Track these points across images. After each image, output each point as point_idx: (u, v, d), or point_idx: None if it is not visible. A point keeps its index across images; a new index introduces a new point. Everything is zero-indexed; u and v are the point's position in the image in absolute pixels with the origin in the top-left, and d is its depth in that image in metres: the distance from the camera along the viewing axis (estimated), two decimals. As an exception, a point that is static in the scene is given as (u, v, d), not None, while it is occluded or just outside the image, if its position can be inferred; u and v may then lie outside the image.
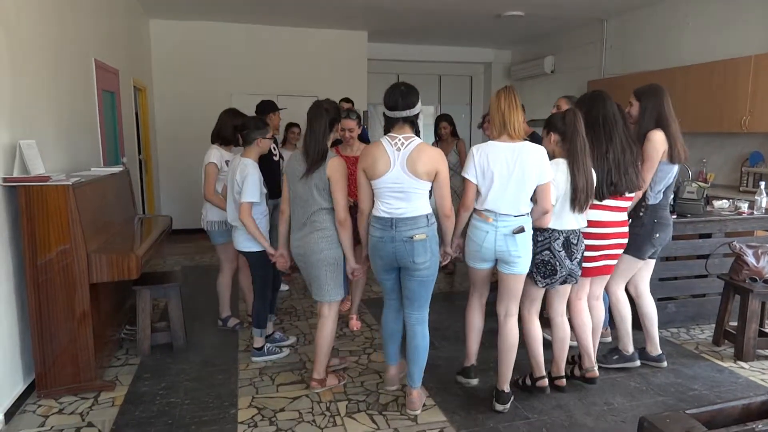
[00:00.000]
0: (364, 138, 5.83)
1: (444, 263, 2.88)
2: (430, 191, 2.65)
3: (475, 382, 3.10)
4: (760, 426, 1.68)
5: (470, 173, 2.68)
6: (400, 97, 2.56)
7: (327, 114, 2.81)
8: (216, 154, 3.69)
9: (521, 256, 2.70)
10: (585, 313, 3.08)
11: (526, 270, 2.77)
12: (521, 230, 2.67)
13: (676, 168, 3.16)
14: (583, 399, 2.99)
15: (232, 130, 3.69)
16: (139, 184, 6.56)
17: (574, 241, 2.84)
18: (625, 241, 3.06)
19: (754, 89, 4.95)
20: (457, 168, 5.45)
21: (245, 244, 3.33)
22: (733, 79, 5.14)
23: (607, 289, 3.30)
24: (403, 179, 2.54)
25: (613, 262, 3.09)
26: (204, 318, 4.20)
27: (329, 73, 8.03)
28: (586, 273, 3.02)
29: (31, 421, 2.76)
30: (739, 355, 3.50)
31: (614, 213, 2.99)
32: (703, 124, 5.54)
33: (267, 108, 4.40)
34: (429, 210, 2.64)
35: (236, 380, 3.21)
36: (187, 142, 7.13)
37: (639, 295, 3.41)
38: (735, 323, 3.64)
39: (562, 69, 8.31)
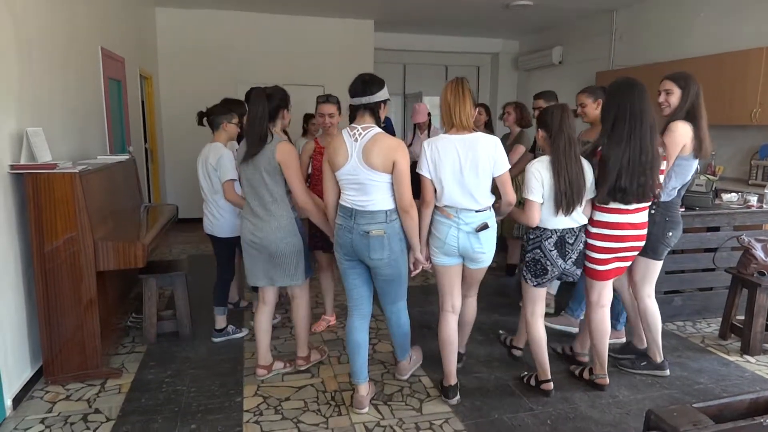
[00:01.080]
0: (389, 129, 5.79)
1: (413, 273, 2.77)
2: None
3: (455, 401, 2.83)
4: (767, 421, 1.68)
5: (423, 168, 2.64)
6: (360, 84, 2.53)
7: (269, 100, 2.74)
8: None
9: (485, 252, 2.70)
10: (607, 321, 2.93)
11: (489, 262, 2.79)
12: (485, 227, 2.63)
13: (695, 165, 2.96)
14: (589, 391, 2.99)
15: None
16: (145, 173, 6.57)
17: (570, 241, 2.75)
18: (642, 243, 2.85)
19: (765, 81, 4.89)
20: None
21: (215, 229, 3.46)
22: (743, 71, 5.08)
23: (635, 296, 3.15)
24: (359, 171, 2.48)
25: (625, 264, 2.90)
26: (210, 306, 4.20)
27: (336, 63, 7.98)
28: (603, 276, 2.85)
29: (39, 408, 2.78)
30: (745, 349, 3.49)
31: (630, 215, 2.76)
32: (713, 116, 5.39)
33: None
34: (390, 205, 2.54)
35: (242, 369, 3.22)
36: (192, 132, 7.05)
37: (639, 297, 3.18)
38: (742, 317, 3.62)
39: (570, 60, 8.23)
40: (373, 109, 2.55)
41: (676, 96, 2.90)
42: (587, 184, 2.70)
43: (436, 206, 2.68)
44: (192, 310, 3.83)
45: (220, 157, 3.25)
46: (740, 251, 3.63)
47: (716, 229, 3.96)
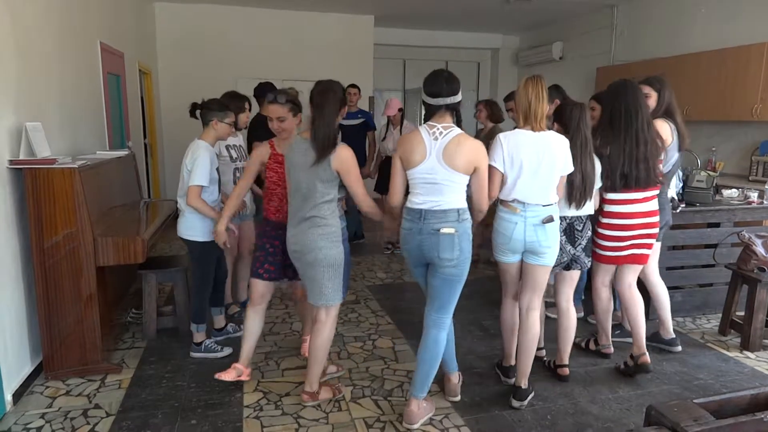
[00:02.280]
0: (370, 125, 5.82)
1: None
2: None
3: (512, 381, 2.91)
4: (768, 416, 1.68)
5: (498, 161, 2.60)
6: (444, 83, 2.42)
7: (335, 95, 2.53)
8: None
9: (551, 247, 2.67)
10: (609, 298, 3.22)
11: (554, 261, 2.73)
12: (551, 219, 2.65)
13: (677, 156, 3.24)
14: (589, 387, 2.99)
15: (235, 113, 3.41)
16: (145, 168, 6.56)
17: (579, 227, 2.89)
18: (656, 231, 3.04)
19: (766, 77, 4.88)
20: None
21: (187, 231, 3.17)
22: (744, 67, 5.07)
23: (640, 277, 3.28)
24: (437, 170, 2.39)
25: (646, 251, 3.07)
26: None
27: (335, 58, 7.96)
28: (614, 261, 3.09)
29: (39, 403, 2.78)
30: (745, 345, 3.49)
31: (639, 204, 2.96)
32: (714, 112, 5.48)
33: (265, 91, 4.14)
34: (462, 204, 2.46)
35: (242, 364, 3.22)
36: (192, 127, 7.03)
37: (649, 280, 3.44)
38: (742, 313, 3.62)
39: (570, 55, 8.21)
40: (455, 109, 2.48)
41: (653, 98, 3.18)
42: (597, 177, 2.87)
43: (500, 200, 2.70)
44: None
45: (196, 158, 3.02)
46: (740, 247, 3.63)
47: (716, 225, 3.96)
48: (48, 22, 3.44)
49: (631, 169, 2.86)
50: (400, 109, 5.54)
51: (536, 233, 2.63)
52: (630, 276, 3.15)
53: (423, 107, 2.53)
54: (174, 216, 4.18)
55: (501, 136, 2.64)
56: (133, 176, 4.26)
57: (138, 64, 6.12)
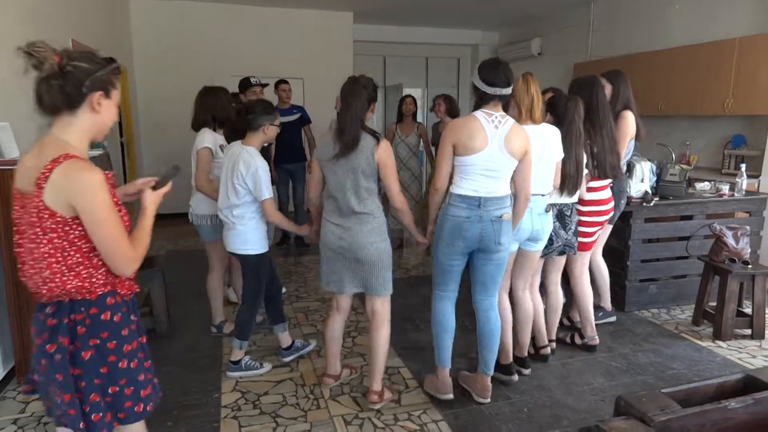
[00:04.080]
0: (305, 119, 5.71)
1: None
2: None
3: (515, 378, 2.98)
4: (733, 404, 1.71)
5: None
6: (503, 74, 2.43)
7: (365, 90, 2.50)
8: (210, 138, 3.31)
9: (547, 233, 2.87)
10: (588, 284, 3.38)
11: (544, 245, 2.92)
12: (551, 208, 2.86)
13: (632, 146, 3.55)
14: (565, 379, 3.03)
15: (230, 109, 3.39)
16: (122, 168, 6.47)
17: (568, 213, 3.05)
18: (611, 215, 3.39)
19: (737, 72, 4.97)
20: (416, 150, 5.54)
21: (241, 246, 2.95)
22: (717, 62, 5.15)
23: (593, 258, 3.57)
24: (498, 157, 2.43)
25: (587, 239, 3.36)
26: (188, 303, 4.17)
27: (314, 55, 7.93)
28: (588, 247, 3.33)
29: (12, 408, 2.74)
30: (717, 335, 3.57)
31: (607, 191, 3.32)
32: (688, 106, 5.57)
33: (245, 85, 4.13)
34: (509, 191, 2.56)
35: (220, 364, 3.20)
36: (169, 124, 7.00)
37: (594, 259, 3.63)
38: (714, 303, 3.69)
39: (549, 51, 8.28)
40: (508, 102, 2.53)
41: (608, 89, 3.35)
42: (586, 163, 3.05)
43: None
44: (169, 307, 3.80)
45: (255, 170, 2.81)
46: (712, 239, 3.70)
47: (689, 217, 4.03)
48: (16, 19, 3.37)
49: (613, 158, 3.13)
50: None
51: (541, 221, 2.79)
52: (577, 264, 3.39)
53: (474, 94, 2.52)
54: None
55: (534, 130, 2.70)
56: (108, 176, 4.18)
57: (113, 62, 6.01)
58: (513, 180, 2.57)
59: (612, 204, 3.33)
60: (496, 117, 2.45)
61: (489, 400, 2.75)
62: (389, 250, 2.62)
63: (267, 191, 2.84)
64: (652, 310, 4.05)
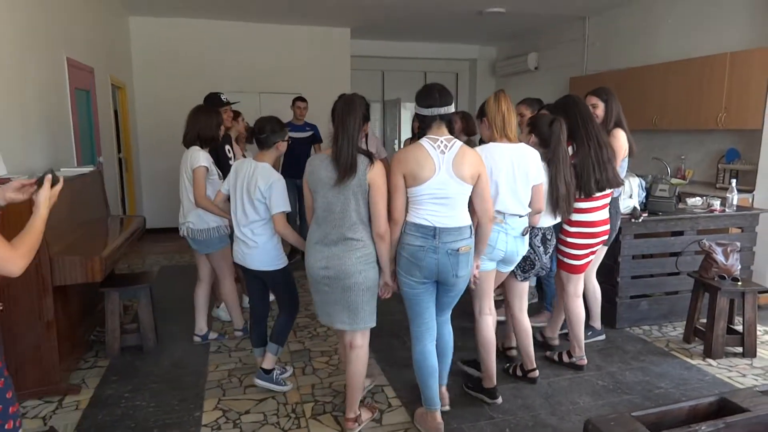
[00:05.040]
0: (317, 138, 5.79)
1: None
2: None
3: (499, 401, 2.93)
4: (704, 427, 1.69)
5: None
6: (437, 94, 2.40)
7: (360, 110, 2.43)
8: (204, 157, 3.38)
9: (521, 255, 2.84)
10: (582, 309, 3.34)
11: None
12: (528, 231, 2.82)
13: (626, 162, 3.48)
14: (550, 399, 3.00)
15: (217, 128, 3.51)
16: (119, 183, 6.52)
17: (549, 237, 3.05)
18: (606, 237, 3.31)
19: (729, 86, 4.96)
20: None
21: (263, 263, 2.92)
22: (709, 76, 5.15)
23: (587, 280, 3.55)
24: (449, 184, 2.36)
25: (595, 256, 3.41)
26: (178, 319, 4.17)
27: (312, 71, 7.99)
28: (580, 270, 3.28)
29: (-7, 426, 2.73)
30: (708, 353, 3.52)
31: (602, 212, 3.22)
32: (681, 120, 5.56)
33: (215, 102, 4.06)
34: (470, 220, 2.47)
35: (204, 382, 3.19)
36: (168, 140, 7.01)
37: (588, 278, 3.62)
38: (705, 321, 3.65)
39: (545, 66, 8.30)
40: (450, 120, 2.46)
41: (600, 108, 3.36)
42: (582, 180, 3.05)
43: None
44: (158, 323, 3.81)
45: (272, 182, 2.78)
46: (704, 255, 3.67)
47: (680, 233, 4.01)
48: (8, 37, 3.42)
49: (601, 173, 3.03)
50: None
51: (516, 244, 2.76)
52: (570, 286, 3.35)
53: (417, 121, 2.51)
54: (142, 231, 4.18)
55: (478, 149, 2.64)
56: (100, 192, 4.22)
57: (110, 79, 6.09)
58: (472, 205, 2.48)
59: (607, 227, 3.24)
60: (442, 141, 2.39)
61: (447, 406, 2.82)
62: (376, 279, 2.51)
63: (284, 204, 2.79)
64: (644, 327, 4.02)
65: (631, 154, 3.42)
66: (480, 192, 2.45)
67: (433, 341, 2.61)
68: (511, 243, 2.73)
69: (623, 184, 3.40)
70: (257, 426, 2.74)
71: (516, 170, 2.67)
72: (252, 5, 6.68)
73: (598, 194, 3.11)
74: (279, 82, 7.79)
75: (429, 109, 2.40)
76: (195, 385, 3.15)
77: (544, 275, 3.64)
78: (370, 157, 2.41)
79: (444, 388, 2.82)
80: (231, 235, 3.53)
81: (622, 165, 3.37)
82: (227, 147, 4.20)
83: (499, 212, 2.66)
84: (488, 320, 2.88)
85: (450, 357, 2.76)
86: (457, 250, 2.40)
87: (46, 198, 1.70)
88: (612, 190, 3.20)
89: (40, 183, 1.71)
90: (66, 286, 3.07)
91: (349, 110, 2.39)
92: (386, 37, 8.91)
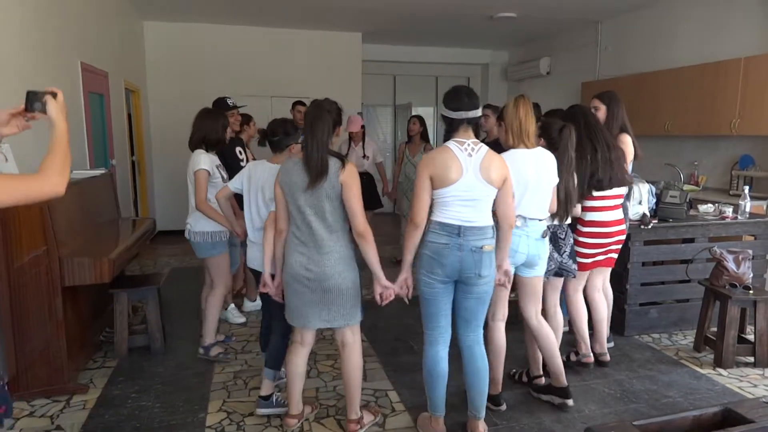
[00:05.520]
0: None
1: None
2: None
3: (503, 407, 2.95)
4: (707, 438, 1.67)
5: None
6: (466, 98, 2.42)
7: (329, 115, 2.45)
8: (206, 160, 3.34)
9: (543, 258, 2.84)
10: (582, 302, 3.36)
11: (544, 270, 2.90)
12: (548, 233, 2.83)
13: (631, 166, 3.51)
14: (555, 407, 2.96)
15: (223, 131, 3.47)
16: (132, 186, 6.60)
17: (562, 236, 3.03)
18: (624, 237, 3.35)
19: (743, 92, 4.90)
20: None
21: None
22: (723, 82, 5.09)
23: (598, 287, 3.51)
24: (476, 186, 2.38)
25: (615, 255, 3.40)
26: (186, 320, 4.21)
27: (324, 75, 8.04)
28: (590, 267, 3.33)
29: (1, 424, 2.77)
30: (718, 362, 3.47)
31: (615, 212, 3.27)
32: (694, 126, 5.50)
33: (222, 105, 4.10)
34: (492, 221, 2.49)
35: (210, 383, 3.21)
36: (181, 143, 6.95)
37: (604, 286, 3.61)
38: (716, 329, 3.60)
39: (557, 70, 8.27)
40: (478, 124, 2.50)
41: (602, 111, 3.43)
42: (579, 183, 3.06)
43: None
44: (166, 324, 3.85)
45: None
46: (714, 263, 3.62)
47: (691, 240, 3.95)
48: (25, 43, 3.49)
49: (606, 171, 3.07)
50: (362, 126, 5.62)
51: (537, 247, 2.76)
52: (599, 280, 3.45)
53: (444, 123, 2.51)
54: (152, 233, 4.22)
55: (504, 156, 2.65)
56: (111, 195, 4.27)
57: (124, 83, 6.18)
58: (495, 209, 2.49)
59: (621, 227, 3.27)
60: (468, 144, 2.41)
61: None
62: (357, 279, 2.54)
63: None
64: (653, 335, 3.96)
65: (636, 158, 3.45)
66: (504, 197, 2.47)
67: (446, 347, 2.60)
68: (532, 246, 2.73)
69: (633, 183, 3.45)
70: (260, 428, 2.75)
71: (539, 176, 2.69)
72: (264, 11, 6.75)
73: (609, 193, 3.16)
74: (290, 86, 7.84)
75: (457, 112, 2.42)
76: (200, 387, 3.17)
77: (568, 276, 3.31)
78: (342, 159, 2.43)
79: (481, 424, 2.65)
80: (231, 242, 3.53)
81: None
82: (238, 149, 4.23)
83: (520, 216, 2.68)
84: (500, 326, 2.87)
85: (486, 385, 2.61)
86: (481, 248, 2.42)
87: (57, 110, 1.60)
88: (624, 190, 3.28)
89: (29, 108, 1.60)
90: (76, 287, 3.11)
91: (317, 115, 2.42)
92: (398, 41, 8.92)
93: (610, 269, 3.50)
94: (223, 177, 3.45)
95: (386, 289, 2.55)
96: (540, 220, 2.75)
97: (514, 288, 2.93)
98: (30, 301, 2.93)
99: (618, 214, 3.27)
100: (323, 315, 2.52)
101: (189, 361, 3.52)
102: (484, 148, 2.44)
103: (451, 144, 2.43)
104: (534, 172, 2.67)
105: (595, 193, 3.16)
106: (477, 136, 2.49)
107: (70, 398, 3.03)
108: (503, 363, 2.89)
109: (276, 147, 2.86)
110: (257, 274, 2.89)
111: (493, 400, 2.91)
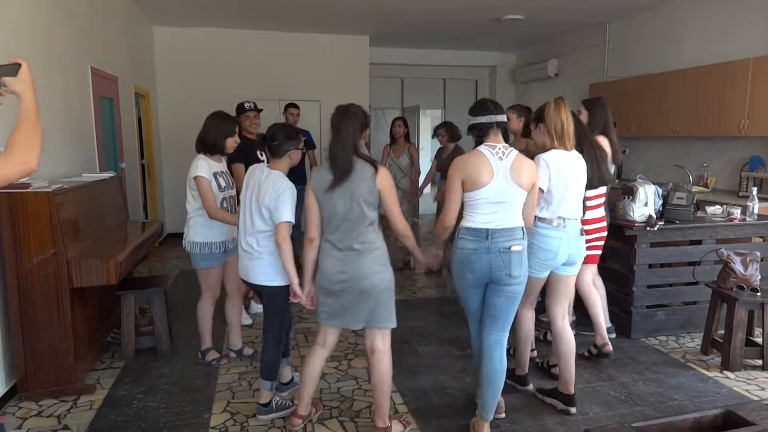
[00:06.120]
0: (310, 144, 5.83)
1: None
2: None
3: (530, 387, 3.11)
4: (706, 441, 1.66)
5: (544, 182, 2.72)
6: (491, 105, 2.57)
7: (355, 118, 2.48)
8: (204, 166, 3.20)
9: (581, 256, 2.93)
10: (595, 292, 3.51)
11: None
12: (583, 230, 2.93)
13: (613, 169, 3.56)
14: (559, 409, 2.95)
15: (222, 137, 3.28)
16: (142, 189, 6.67)
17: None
18: (605, 234, 3.43)
19: (752, 92, 4.85)
20: (407, 171, 5.63)
21: (265, 276, 2.76)
22: (731, 82, 5.05)
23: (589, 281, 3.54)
24: (506, 189, 2.45)
25: (598, 252, 3.45)
26: (193, 322, 4.22)
27: (332, 78, 8.09)
28: (596, 260, 3.48)
29: (10, 424, 2.81)
30: (725, 365, 3.43)
31: (596, 210, 3.35)
32: (703, 127, 5.45)
33: (238, 109, 4.21)
34: (523, 222, 2.54)
35: (215, 384, 3.24)
36: (191, 147, 7.14)
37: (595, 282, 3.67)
38: (723, 332, 3.56)
39: (565, 72, 8.24)
40: (506, 128, 2.61)
41: (584, 115, 3.54)
42: None
43: (542, 219, 2.79)
44: (173, 326, 3.89)
45: (282, 190, 2.65)
46: (721, 265, 3.58)
47: (698, 242, 3.92)
48: (35, 49, 3.55)
49: (594, 171, 3.08)
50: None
51: (577, 245, 2.85)
52: (588, 275, 3.50)
53: (474, 132, 2.57)
54: (159, 236, 4.27)
55: (545, 157, 2.75)
56: (119, 198, 4.33)
57: (134, 87, 6.25)
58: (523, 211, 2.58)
59: (603, 224, 3.39)
60: (499, 149, 2.49)
61: None
62: (392, 280, 2.55)
63: (290, 215, 2.64)
64: (660, 338, 3.93)
65: (614, 160, 3.54)
66: (530, 201, 2.56)
67: (479, 333, 2.71)
68: (573, 244, 2.81)
69: (613, 182, 3.58)
70: (264, 429, 2.76)
71: (577, 177, 2.81)
72: (272, 14, 6.80)
73: (592, 193, 3.23)
74: (299, 89, 7.90)
75: (486, 116, 2.52)
76: (206, 388, 3.20)
77: None
78: (374, 163, 2.45)
79: (487, 426, 2.62)
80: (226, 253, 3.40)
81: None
82: (259, 152, 4.17)
83: (559, 217, 2.78)
84: (529, 314, 3.03)
85: (499, 387, 2.59)
86: (509, 249, 2.46)
87: (22, 84, 1.53)
88: (603, 190, 3.37)
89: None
90: (84, 289, 3.15)
91: (343, 118, 2.46)
92: (405, 44, 8.95)
93: (595, 265, 3.55)
94: (220, 185, 3.27)
95: (427, 258, 2.72)
96: (576, 219, 2.84)
97: None
98: (38, 303, 2.97)
99: (600, 212, 3.37)
100: (364, 315, 2.52)
101: (195, 362, 3.55)
102: (515, 152, 2.52)
103: (483, 148, 2.51)
104: (573, 173, 2.78)
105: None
106: (506, 140, 2.58)
107: (78, 398, 3.07)
108: (530, 347, 3.07)
109: (275, 152, 2.76)
110: (265, 290, 2.83)
111: (519, 380, 3.09)
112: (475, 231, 2.47)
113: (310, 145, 5.81)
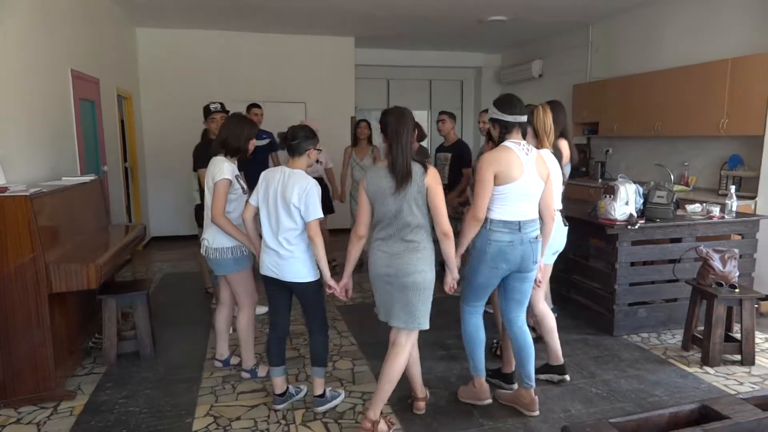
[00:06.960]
0: (274, 146, 5.58)
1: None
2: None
3: (515, 386, 3.09)
4: (682, 435, 1.67)
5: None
6: (518, 103, 2.69)
7: (411, 122, 2.57)
8: (228, 169, 3.09)
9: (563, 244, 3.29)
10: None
11: None
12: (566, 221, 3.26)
13: (569, 168, 3.64)
14: (542, 406, 2.96)
15: (246, 139, 3.20)
16: (125, 192, 6.61)
17: None
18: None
19: (731, 92, 4.92)
20: None
21: (299, 274, 2.79)
22: (711, 83, 5.12)
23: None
24: (534, 183, 2.66)
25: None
26: (176, 326, 4.21)
27: (317, 80, 8.08)
28: None
29: (-12, 431, 2.78)
30: (705, 360, 3.48)
31: None
32: (683, 127, 5.52)
33: (204, 111, 4.25)
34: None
35: (198, 388, 3.22)
36: (175, 149, 7.16)
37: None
38: (703, 328, 3.61)
39: (549, 73, 8.30)
40: (525, 128, 2.75)
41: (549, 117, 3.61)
42: None
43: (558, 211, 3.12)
44: (156, 330, 3.86)
45: (309, 188, 2.70)
46: (701, 262, 3.63)
47: (678, 240, 3.97)
48: (13, 50, 3.51)
49: None
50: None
51: (563, 234, 3.20)
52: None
53: (497, 126, 2.70)
54: (141, 239, 4.23)
55: (546, 154, 2.95)
56: (100, 201, 4.28)
57: (116, 90, 6.20)
58: (539, 202, 2.76)
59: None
60: (524, 145, 2.67)
61: (538, 412, 2.87)
62: (433, 281, 2.62)
63: (319, 211, 2.72)
64: (642, 335, 3.98)
65: (571, 161, 3.63)
66: (548, 191, 2.75)
67: (481, 317, 2.95)
68: (558, 233, 3.09)
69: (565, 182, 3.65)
70: (246, 432, 2.75)
71: (556, 172, 3.05)
72: (257, 16, 6.77)
73: None
74: (284, 91, 7.89)
75: (512, 116, 2.66)
76: (188, 392, 3.17)
77: None
78: (423, 163, 2.57)
79: (532, 392, 2.89)
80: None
81: (564, 170, 3.46)
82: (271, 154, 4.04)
83: (557, 210, 3.04)
84: (547, 309, 3.24)
85: (533, 358, 2.87)
86: (536, 237, 2.72)
87: None
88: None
89: None
90: (65, 294, 3.11)
91: (401, 122, 2.54)
92: (391, 45, 8.96)
93: None
94: (243, 188, 3.21)
95: (455, 281, 2.71)
96: (557, 210, 3.08)
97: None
98: (17, 309, 2.93)
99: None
100: (402, 315, 2.60)
101: (178, 366, 3.52)
102: (534, 148, 2.73)
103: (511, 144, 2.67)
104: (557, 170, 3.08)
105: None
106: (524, 138, 2.74)
107: (58, 405, 3.03)
108: (557, 337, 3.20)
109: (295, 151, 2.82)
110: (269, 281, 2.87)
111: (558, 369, 3.23)
112: (509, 224, 2.65)
113: (274, 146, 5.47)
